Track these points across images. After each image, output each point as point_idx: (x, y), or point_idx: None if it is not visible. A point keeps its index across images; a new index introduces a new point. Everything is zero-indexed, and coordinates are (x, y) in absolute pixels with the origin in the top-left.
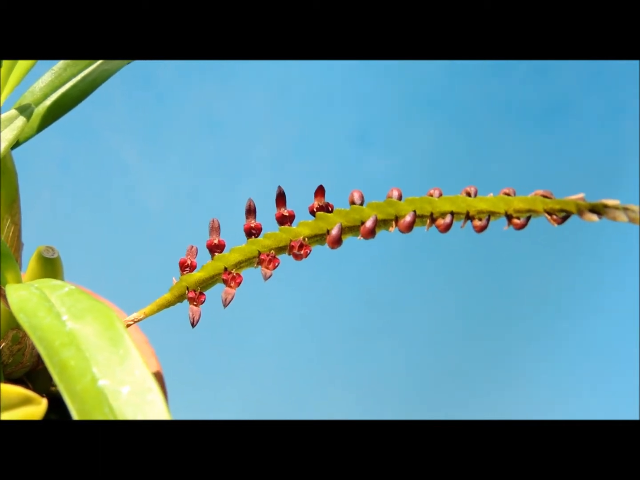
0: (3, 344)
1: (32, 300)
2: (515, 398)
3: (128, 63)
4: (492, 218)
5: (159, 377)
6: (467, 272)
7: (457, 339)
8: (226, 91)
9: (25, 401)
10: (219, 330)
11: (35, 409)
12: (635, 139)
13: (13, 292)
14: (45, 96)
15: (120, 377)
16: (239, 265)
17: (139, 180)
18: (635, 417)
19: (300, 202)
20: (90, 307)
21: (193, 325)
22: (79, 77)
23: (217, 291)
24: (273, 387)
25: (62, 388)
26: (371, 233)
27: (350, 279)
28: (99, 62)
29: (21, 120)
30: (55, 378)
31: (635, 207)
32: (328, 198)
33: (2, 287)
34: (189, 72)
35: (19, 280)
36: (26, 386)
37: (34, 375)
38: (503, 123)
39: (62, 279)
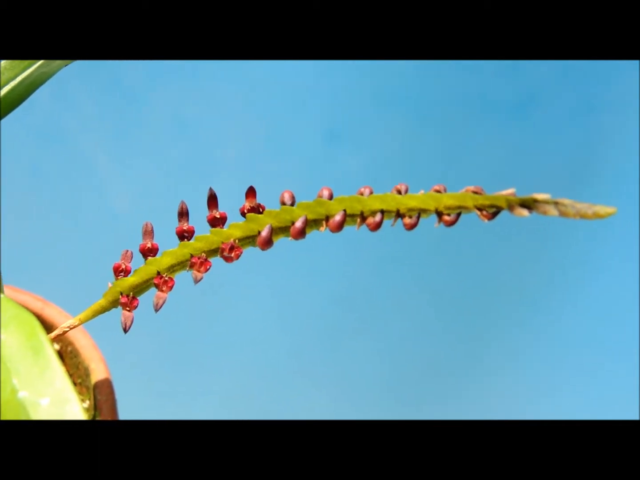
0: None
1: None
2: (493, 392)
3: (67, 65)
4: (422, 215)
5: (107, 383)
6: (444, 267)
7: (434, 334)
8: (194, 91)
9: None
10: (188, 329)
11: None
12: (607, 132)
13: None
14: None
15: (40, 389)
16: (172, 268)
17: (107, 181)
18: (631, 417)
19: (269, 200)
20: (15, 316)
21: (125, 330)
22: (16, 81)
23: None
24: (243, 387)
25: None
26: (301, 233)
27: (324, 276)
28: (38, 64)
29: None
30: None
31: (566, 201)
32: (298, 196)
33: None
34: (157, 72)
35: None
36: None
37: None
38: (474, 117)
39: (0, 288)
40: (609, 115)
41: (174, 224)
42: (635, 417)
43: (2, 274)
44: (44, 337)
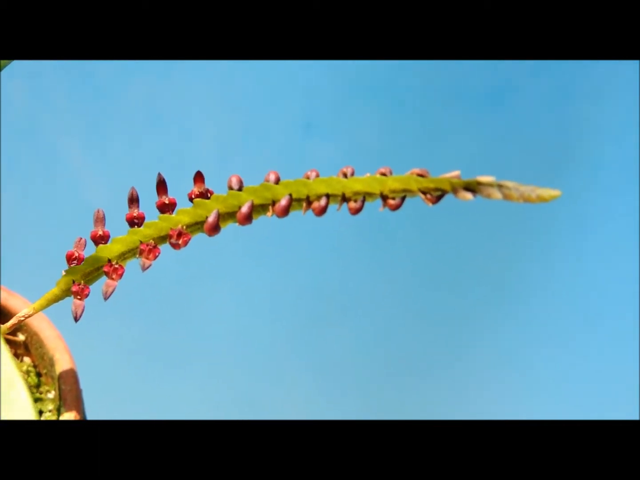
0: None
1: None
2: (477, 386)
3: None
4: (367, 199)
5: (71, 373)
6: (428, 256)
7: (415, 325)
8: (167, 82)
9: None
10: (161, 319)
11: None
12: (584, 120)
13: None
14: None
15: None
16: (123, 256)
17: (81, 175)
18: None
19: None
20: None
21: (76, 319)
22: None
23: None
24: (215, 382)
25: None
26: (247, 219)
27: (304, 264)
28: None
29: None
30: None
31: (509, 184)
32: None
33: None
34: (128, 65)
35: None
36: None
37: None
38: (451, 105)
39: None
40: (585, 103)
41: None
42: (636, 417)
43: None
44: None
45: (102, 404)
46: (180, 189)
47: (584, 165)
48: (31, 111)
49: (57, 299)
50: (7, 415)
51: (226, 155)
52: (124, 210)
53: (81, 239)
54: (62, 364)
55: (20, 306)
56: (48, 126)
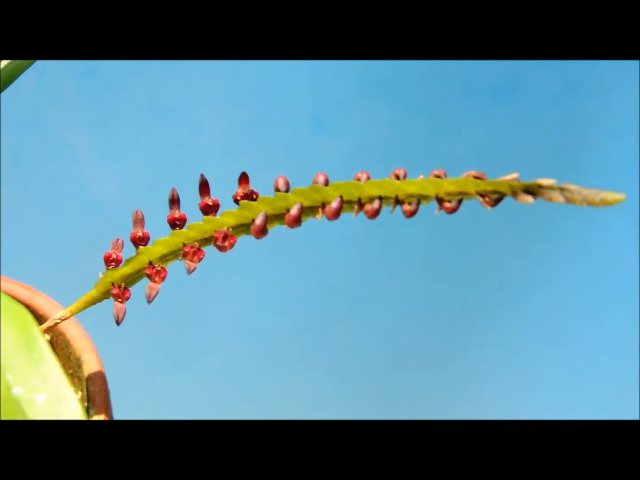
0: None
1: None
2: (482, 385)
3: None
4: (422, 202)
5: (99, 374)
6: (435, 255)
7: (425, 322)
8: (176, 76)
9: None
10: (173, 319)
11: None
12: (593, 115)
13: None
14: None
15: (35, 385)
16: (164, 258)
17: (89, 169)
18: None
19: (259, 188)
20: (5, 310)
21: (118, 323)
22: None
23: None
24: (231, 380)
25: None
26: (296, 221)
27: (313, 262)
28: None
29: None
30: None
31: (572, 187)
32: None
33: None
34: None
35: None
36: None
37: None
38: (459, 102)
39: None
40: (595, 98)
41: (162, 211)
42: (636, 417)
43: None
44: (36, 331)
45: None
46: (188, 185)
47: (591, 160)
48: (39, 105)
49: (95, 301)
50: None
51: (235, 151)
52: (136, 206)
53: (118, 240)
54: (89, 364)
55: (46, 305)
56: (56, 120)
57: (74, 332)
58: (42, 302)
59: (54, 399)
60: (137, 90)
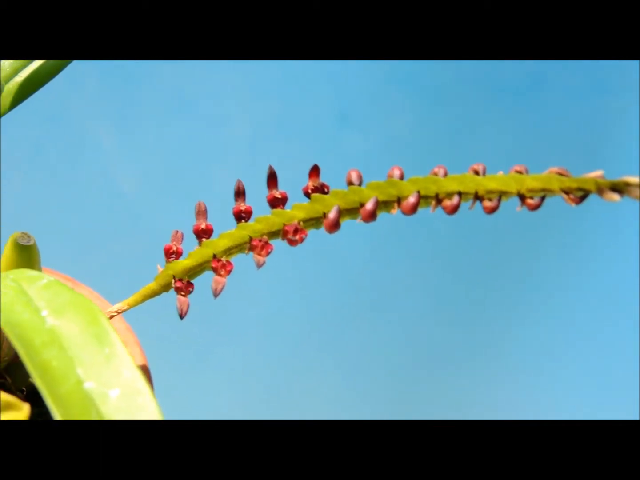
0: None
1: (9, 294)
2: (497, 386)
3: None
4: (503, 198)
5: (144, 369)
6: (458, 252)
7: (441, 323)
8: (201, 69)
9: (5, 407)
10: (198, 318)
11: (16, 415)
12: (616, 113)
13: None
14: (16, 72)
15: (108, 379)
16: (229, 251)
17: (113, 162)
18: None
19: (281, 183)
20: (71, 301)
21: (182, 316)
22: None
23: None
24: (263, 377)
25: (44, 392)
26: (372, 216)
27: (333, 259)
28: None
29: None
30: (37, 381)
31: None
32: (304, 178)
33: None
34: None
35: None
36: (4, 380)
37: (13, 367)
38: (483, 99)
39: (38, 267)
40: (618, 96)
41: (186, 204)
42: (636, 417)
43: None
44: (106, 322)
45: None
46: (214, 177)
47: (614, 159)
48: (61, 95)
49: (153, 294)
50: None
51: (259, 143)
52: (158, 199)
53: (178, 232)
54: (134, 358)
55: (87, 296)
56: (78, 111)
57: (117, 324)
58: (83, 293)
59: (128, 394)
60: (161, 80)
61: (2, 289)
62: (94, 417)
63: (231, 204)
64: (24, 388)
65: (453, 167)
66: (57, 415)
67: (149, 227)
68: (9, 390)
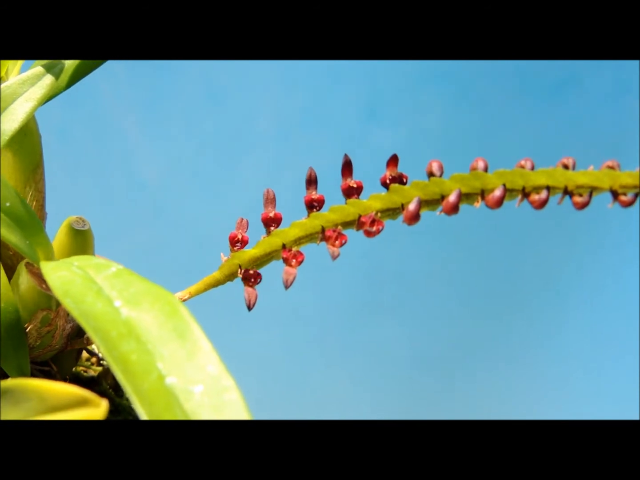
0: (31, 326)
1: (77, 283)
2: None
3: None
4: (594, 194)
5: None
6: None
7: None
8: (228, 61)
9: (82, 402)
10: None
11: (94, 412)
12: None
13: (51, 272)
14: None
15: (191, 375)
16: (299, 241)
17: (139, 152)
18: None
19: (301, 175)
20: (145, 291)
21: (250, 308)
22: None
23: None
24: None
25: (128, 388)
26: (454, 209)
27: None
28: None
29: (49, 78)
30: (119, 376)
31: None
32: (333, 172)
33: (34, 265)
34: None
35: (51, 257)
36: (50, 369)
37: (59, 357)
38: (511, 96)
39: (92, 252)
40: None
41: (206, 195)
42: (635, 417)
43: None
44: (187, 315)
45: None
46: (239, 166)
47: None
48: (91, 87)
49: (217, 283)
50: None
51: (287, 137)
52: (179, 188)
53: (242, 219)
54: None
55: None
56: (108, 102)
57: None
58: None
59: (213, 391)
60: (189, 72)
61: (69, 277)
62: (177, 413)
63: (254, 194)
64: (67, 376)
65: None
66: (142, 412)
67: (171, 215)
68: (54, 378)
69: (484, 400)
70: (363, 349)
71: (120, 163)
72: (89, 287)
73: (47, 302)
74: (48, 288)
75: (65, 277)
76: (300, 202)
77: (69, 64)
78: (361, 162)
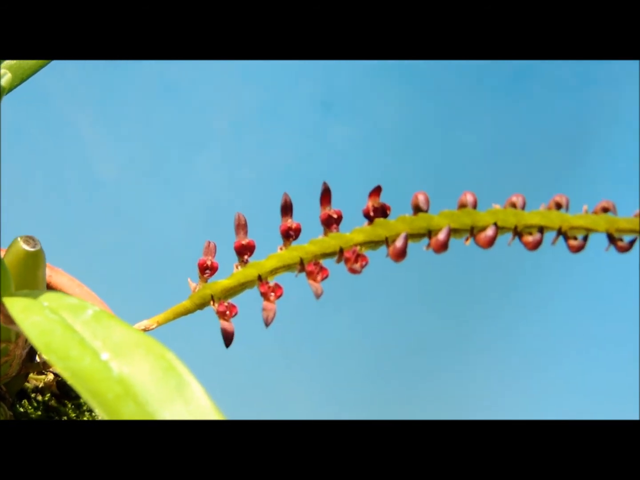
0: None
1: (56, 333)
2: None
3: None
4: (589, 236)
5: None
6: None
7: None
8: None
9: None
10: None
11: None
12: (602, 106)
13: (22, 316)
14: None
15: None
16: (275, 271)
17: (91, 148)
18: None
19: (263, 174)
20: (132, 342)
21: (227, 345)
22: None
23: None
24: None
25: None
26: (444, 247)
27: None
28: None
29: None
30: None
31: None
32: (292, 168)
33: None
34: None
35: (8, 286)
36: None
37: (12, 380)
38: (470, 90)
39: (43, 274)
40: (605, 89)
41: (165, 198)
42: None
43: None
44: (185, 371)
45: None
46: (191, 168)
47: (601, 153)
48: (43, 84)
49: (187, 312)
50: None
51: (240, 132)
52: (139, 188)
53: (210, 243)
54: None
55: (66, 283)
56: (60, 99)
57: (76, 290)
58: (62, 280)
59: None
60: (142, 68)
61: (45, 325)
62: None
63: (211, 195)
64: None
65: (435, 160)
66: None
67: (127, 215)
68: (2, 398)
69: (448, 399)
70: (322, 348)
71: (74, 162)
72: (70, 337)
73: (7, 334)
74: (13, 323)
75: (41, 325)
76: (264, 204)
77: (12, 64)
78: (319, 157)
